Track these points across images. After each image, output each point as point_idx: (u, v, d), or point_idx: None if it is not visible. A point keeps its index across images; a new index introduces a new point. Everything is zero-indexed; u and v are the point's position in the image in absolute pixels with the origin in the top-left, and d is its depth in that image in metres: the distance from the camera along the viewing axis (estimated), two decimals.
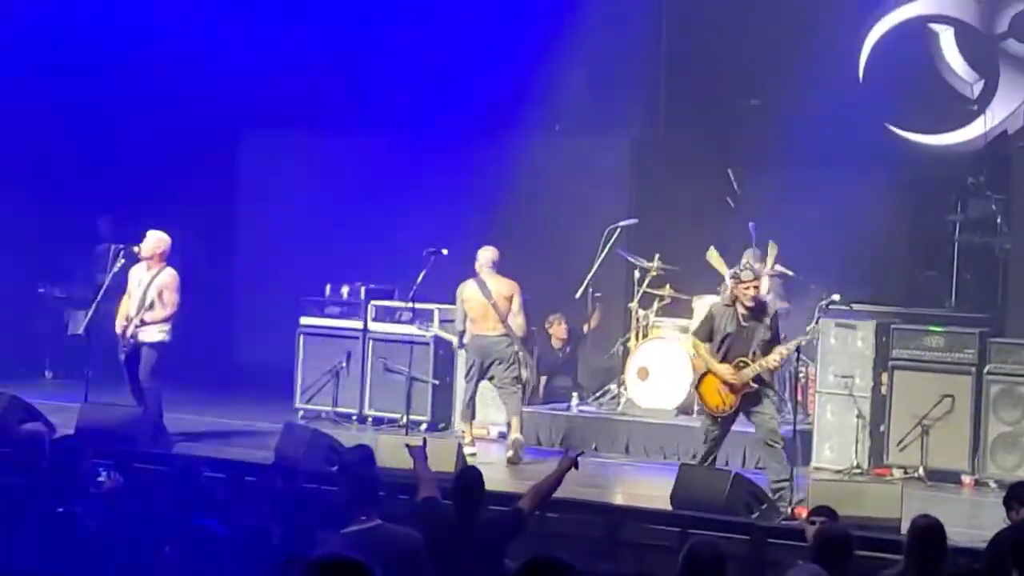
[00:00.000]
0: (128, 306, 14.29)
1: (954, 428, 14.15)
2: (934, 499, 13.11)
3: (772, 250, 15.66)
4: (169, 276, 14.32)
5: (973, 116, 17.27)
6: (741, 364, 12.40)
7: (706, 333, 12.69)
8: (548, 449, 15.11)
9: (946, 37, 17.50)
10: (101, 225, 18.86)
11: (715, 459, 12.76)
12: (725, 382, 12.42)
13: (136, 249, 14.40)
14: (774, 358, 12.41)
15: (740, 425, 14.95)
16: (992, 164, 16.56)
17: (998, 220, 16.09)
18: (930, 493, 13.57)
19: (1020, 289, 15.40)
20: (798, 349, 12.87)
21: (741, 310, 12.49)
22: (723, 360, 12.46)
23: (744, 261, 14.73)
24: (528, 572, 4.61)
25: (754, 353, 12.40)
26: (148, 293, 14.23)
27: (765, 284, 15.92)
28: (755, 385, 12.42)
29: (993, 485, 13.65)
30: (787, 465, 12.30)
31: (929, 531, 8.24)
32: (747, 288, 12.46)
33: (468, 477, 8.95)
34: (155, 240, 14.37)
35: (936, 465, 14.15)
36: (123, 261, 14.55)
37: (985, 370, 14.14)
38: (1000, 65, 17.27)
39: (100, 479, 9.62)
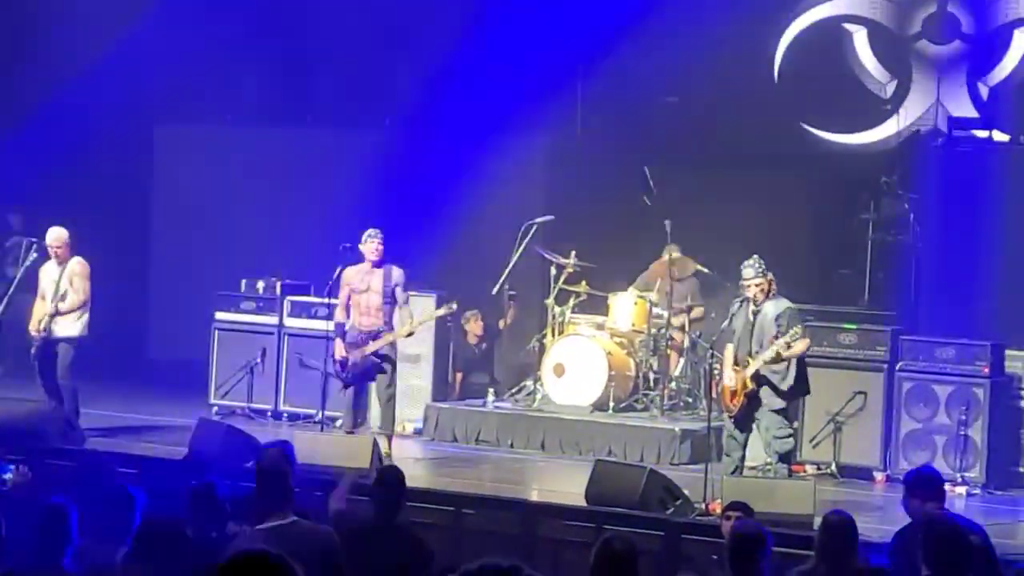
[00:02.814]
0: (42, 308, 14.17)
1: (866, 425, 14.28)
2: (846, 495, 13.22)
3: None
4: (78, 265, 14.22)
5: (886, 116, 17.45)
6: (746, 363, 12.37)
7: (728, 334, 12.67)
8: (463, 446, 15.11)
9: (860, 37, 17.66)
10: (13, 219, 18.68)
11: (742, 462, 12.59)
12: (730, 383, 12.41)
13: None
14: (767, 354, 12.22)
15: (652, 421, 15.07)
16: (905, 163, 16.70)
17: (911, 219, 16.23)
18: (842, 489, 13.67)
19: (932, 287, 15.56)
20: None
21: (751, 307, 12.46)
22: (735, 359, 12.41)
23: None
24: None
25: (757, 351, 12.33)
26: (60, 285, 14.13)
27: (689, 285, 16.01)
28: (752, 384, 12.30)
29: None
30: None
31: (841, 527, 8.30)
32: (747, 285, 12.42)
33: (389, 476, 8.93)
34: (55, 235, 14.25)
35: (848, 461, 14.27)
36: (35, 255, 14.43)
37: (897, 367, 14.27)
38: (912, 66, 17.46)
39: (6, 476, 9.49)
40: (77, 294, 14.12)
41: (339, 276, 13.89)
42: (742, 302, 12.54)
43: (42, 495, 9.55)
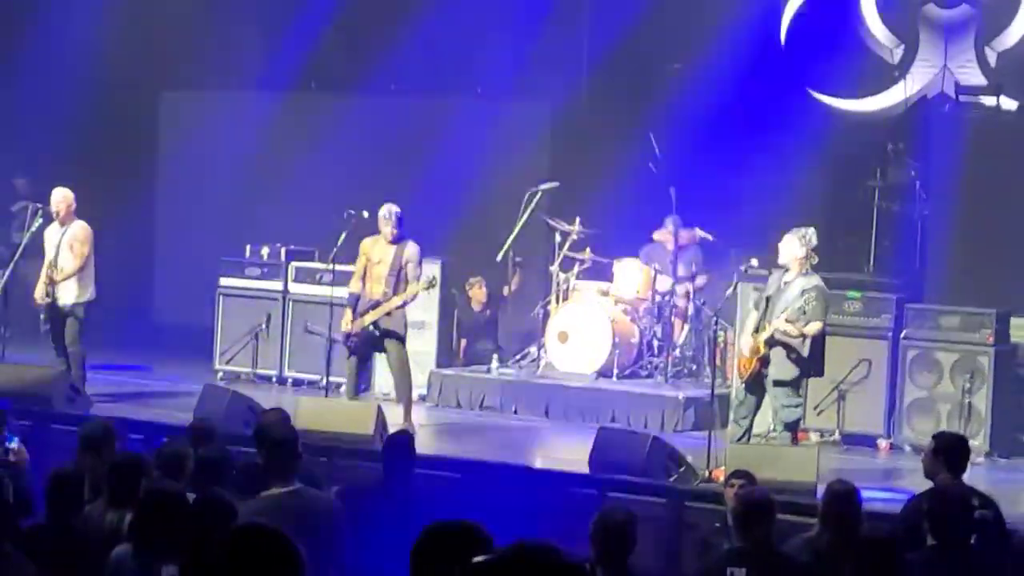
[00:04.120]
0: (46, 270, 14.18)
1: (870, 393, 14.27)
2: (850, 463, 13.22)
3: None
4: (80, 228, 14.19)
5: (893, 82, 17.39)
6: (763, 328, 12.30)
7: (755, 300, 12.64)
8: (467, 412, 15.13)
9: (867, 2, 17.59)
10: (18, 184, 18.69)
11: (750, 429, 12.53)
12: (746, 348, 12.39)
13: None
14: (781, 320, 12.11)
15: (656, 388, 15.08)
16: (912, 130, 16.68)
17: (917, 186, 16.22)
18: (846, 457, 13.68)
19: (937, 255, 15.55)
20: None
21: (783, 277, 12.40)
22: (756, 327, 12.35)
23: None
24: (432, 537, 4.61)
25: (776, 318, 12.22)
26: (60, 249, 14.12)
27: (692, 253, 16.03)
28: (766, 349, 12.20)
29: (908, 449, 13.78)
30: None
31: (845, 495, 8.33)
32: (780, 246, 12.36)
33: (398, 440, 8.96)
34: (60, 196, 14.24)
35: (852, 429, 14.27)
36: (41, 220, 14.42)
37: (902, 335, 14.25)
38: (920, 31, 17.39)
39: (11, 445, 9.52)
40: (76, 259, 14.09)
41: (344, 244, 13.90)
42: (777, 270, 12.49)
43: (50, 460, 9.61)
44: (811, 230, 12.37)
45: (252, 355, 16.26)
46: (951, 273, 15.21)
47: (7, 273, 14.64)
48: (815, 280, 12.34)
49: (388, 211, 13.57)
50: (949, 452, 9.22)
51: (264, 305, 16.34)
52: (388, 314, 13.55)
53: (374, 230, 13.80)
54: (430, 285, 13.98)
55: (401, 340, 13.67)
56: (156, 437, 11.23)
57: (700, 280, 15.99)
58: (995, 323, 13.98)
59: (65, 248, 14.12)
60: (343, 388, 14.56)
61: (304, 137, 18.57)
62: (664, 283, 15.81)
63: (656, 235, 16.23)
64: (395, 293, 13.56)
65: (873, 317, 14.42)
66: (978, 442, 13.68)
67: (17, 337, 14.88)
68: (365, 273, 13.71)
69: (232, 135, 18.87)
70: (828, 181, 17.15)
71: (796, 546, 8.23)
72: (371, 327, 13.57)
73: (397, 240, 13.56)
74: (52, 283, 14.08)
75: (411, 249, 13.61)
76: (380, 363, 14.85)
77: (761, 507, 7.93)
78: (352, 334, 13.66)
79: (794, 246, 12.31)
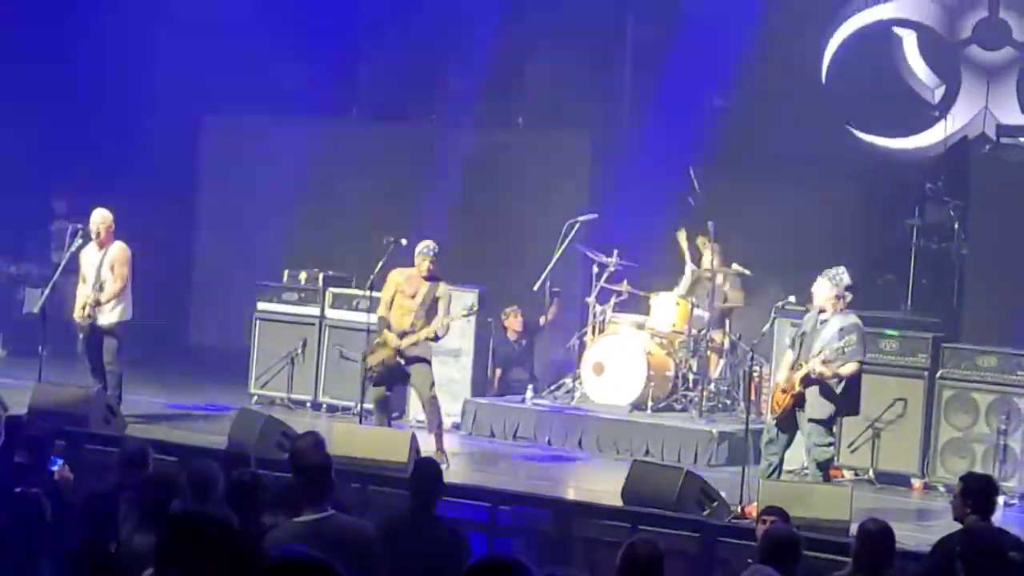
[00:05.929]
0: (84, 291, 14.24)
1: (905, 432, 14.22)
2: (883, 502, 13.17)
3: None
4: (119, 250, 14.26)
5: (934, 121, 17.38)
6: (798, 367, 12.33)
7: (791, 337, 12.67)
8: (501, 441, 15.13)
9: (909, 42, 17.59)
10: (57, 204, 18.80)
11: (780, 465, 12.48)
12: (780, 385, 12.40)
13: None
14: (817, 360, 12.11)
15: (690, 422, 15.05)
16: (951, 170, 16.66)
17: (955, 226, 16.19)
18: (879, 496, 13.63)
19: (975, 295, 15.51)
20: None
21: (820, 315, 12.39)
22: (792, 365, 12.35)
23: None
24: (477, 572, 4.59)
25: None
26: (102, 271, 14.19)
27: (720, 278, 16.05)
28: (800, 387, 12.17)
29: (942, 489, 13.71)
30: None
31: (878, 536, 8.30)
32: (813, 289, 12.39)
33: (424, 467, 8.95)
34: (99, 217, 14.29)
35: (886, 468, 14.22)
36: (80, 241, 14.49)
37: (938, 375, 14.21)
38: (962, 71, 17.38)
39: (55, 468, 9.58)
40: (116, 281, 14.17)
41: (382, 270, 13.91)
42: (813, 308, 12.49)
43: (85, 481, 9.67)
44: (841, 269, 12.36)
45: (287, 380, 16.29)
46: (988, 313, 15.16)
47: (46, 292, 14.71)
48: (852, 319, 12.32)
49: (427, 247, 13.56)
50: (977, 494, 9.21)
51: (300, 330, 16.38)
52: (414, 343, 13.57)
53: (412, 257, 13.80)
54: (470, 312, 13.98)
55: (427, 363, 13.67)
56: (190, 460, 11.25)
57: (736, 297, 16.00)
58: None
59: (106, 270, 14.20)
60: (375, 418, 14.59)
61: (343, 163, 18.63)
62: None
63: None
64: (425, 324, 13.55)
65: (909, 356, 14.38)
66: (1013, 484, 13.64)
67: (55, 356, 14.94)
68: (391, 303, 13.71)
69: (272, 160, 18.97)
70: (867, 219, 17.13)
71: None
72: (397, 357, 13.57)
73: (431, 277, 13.58)
74: (97, 304, 14.15)
75: (444, 288, 13.62)
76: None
77: (785, 545, 7.92)
78: (378, 363, 13.62)
79: (825, 288, 12.31)
